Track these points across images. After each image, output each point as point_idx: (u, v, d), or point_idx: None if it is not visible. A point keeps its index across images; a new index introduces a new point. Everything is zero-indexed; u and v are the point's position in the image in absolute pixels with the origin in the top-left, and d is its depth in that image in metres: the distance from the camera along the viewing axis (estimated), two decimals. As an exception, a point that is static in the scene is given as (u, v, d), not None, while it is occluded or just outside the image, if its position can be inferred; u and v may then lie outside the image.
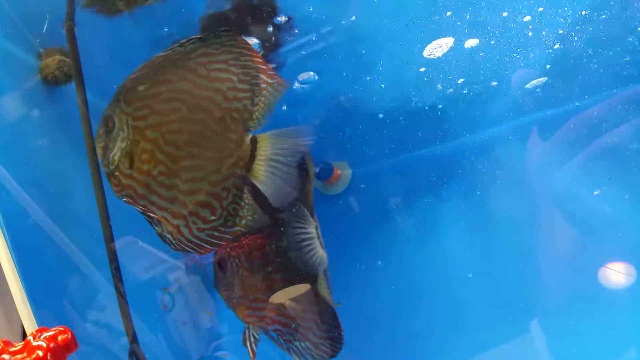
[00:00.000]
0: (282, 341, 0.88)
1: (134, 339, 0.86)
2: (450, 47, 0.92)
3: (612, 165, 0.92)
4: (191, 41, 0.75)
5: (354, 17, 0.93)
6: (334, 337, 0.89)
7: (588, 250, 0.93)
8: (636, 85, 0.91)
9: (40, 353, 0.52)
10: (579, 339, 0.93)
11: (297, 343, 0.88)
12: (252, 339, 0.86)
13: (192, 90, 0.75)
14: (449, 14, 0.90)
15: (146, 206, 0.76)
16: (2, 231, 0.79)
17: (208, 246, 0.79)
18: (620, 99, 0.91)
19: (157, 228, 0.78)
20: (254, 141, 0.78)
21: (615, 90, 0.92)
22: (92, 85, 0.84)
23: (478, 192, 1.04)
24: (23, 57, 0.90)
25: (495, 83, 0.94)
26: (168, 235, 0.78)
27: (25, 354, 0.52)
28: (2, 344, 0.54)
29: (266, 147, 0.78)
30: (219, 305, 1.06)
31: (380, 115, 1.02)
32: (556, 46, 0.93)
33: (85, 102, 0.84)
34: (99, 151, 0.77)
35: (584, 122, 0.92)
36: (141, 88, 0.74)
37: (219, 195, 0.77)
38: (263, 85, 0.78)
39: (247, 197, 0.79)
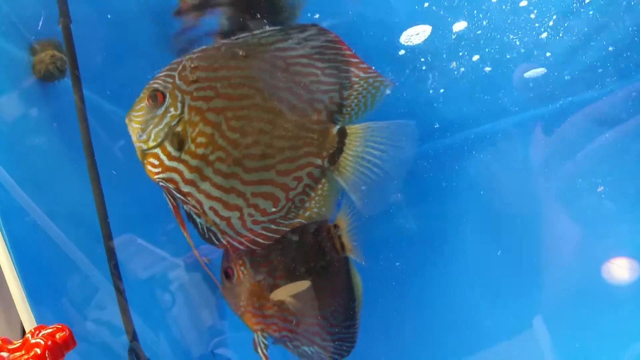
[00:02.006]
0: (291, 346, 0.88)
1: (133, 337, 0.85)
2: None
3: (616, 161, 0.91)
4: (267, 33, 0.71)
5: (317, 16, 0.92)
6: (344, 337, 0.88)
7: (591, 246, 0.93)
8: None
9: (39, 351, 0.52)
10: (582, 334, 0.93)
11: (305, 348, 0.87)
12: (262, 344, 0.85)
13: (267, 80, 0.71)
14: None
15: (191, 194, 0.71)
16: (1, 230, 0.78)
17: (261, 240, 0.75)
18: (625, 93, 0.90)
19: (198, 220, 0.73)
20: (342, 133, 0.74)
21: (620, 84, 0.92)
22: (87, 82, 0.83)
23: (481, 190, 1.04)
24: (18, 54, 0.89)
25: (489, 69, 0.93)
26: (213, 228, 0.74)
27: (23, 352, 0.52)
28: (0, 342, 0.54)
29: (357, 141, 0.74)
30: (220, 302, 1.06)
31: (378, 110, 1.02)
32: (557, 36, 0.93)
33: (82, 100, 0.82)
34: (134, 125, 0.72)
35: (588, 116, 0.91)
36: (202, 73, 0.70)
37: (287, 186, 0.73)
38: (354, 79, 0.74)
39: (322, 189, 0.75)
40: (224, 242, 0.75)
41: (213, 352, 1.02)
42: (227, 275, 0.86)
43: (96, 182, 0.83)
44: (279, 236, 0.76)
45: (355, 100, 0.75)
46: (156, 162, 0.71)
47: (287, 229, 0.76)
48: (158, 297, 1.00)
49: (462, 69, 0.97)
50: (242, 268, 0.85)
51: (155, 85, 0.71)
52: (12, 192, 0.81)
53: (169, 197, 0.74)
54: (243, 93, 0.70)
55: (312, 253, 0.86)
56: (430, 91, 0.99)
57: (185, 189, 0.71)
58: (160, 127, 0.70)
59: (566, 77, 0.97)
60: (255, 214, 0.73)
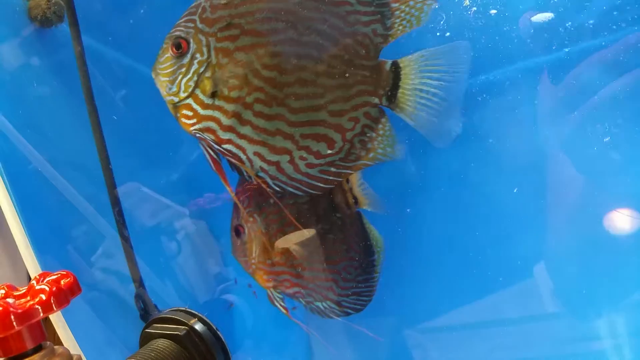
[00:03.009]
0: (303, 302, 0.87)
1: (140, 284, 0.86)
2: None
3: (625, 111, 0.89)
4: None
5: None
6: (359, 292, 0.87)
7: (594, 196, 0.92)
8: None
9: (44, 297, 0.52)
10: (583, 283, 0.94)
11: (318, 304, 0.86)
12: (277, 298, 0.85)
13: (298, 11, 0.65)
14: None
15: (232, 140, 0.68)
16: (3, 178, 0.78)
17: (321, 184, 0.72)
18: (635, 41, 0.87)
19: (244, 166, 0.70)
20: (396, 67, 0.69)
21: (630, 31, 0.89)
22: (86, 27, 0.81)
23: (490, 139, 1.03)
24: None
25: (495, 11, 0.90)
26: (263, 174, 0.71)
27: (28, 298, 0.52)
28: (6, 289, 0.55)
29: (412, 73, 0.70)
30: (225, 250, 1.07)
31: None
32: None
33: (80, 43, 0.79)
34: (163, 78, 0.69)
35: (597, 64, 0.89)
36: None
37: (342, 127, 0.69)
38: (394, 5, 0.68)
39: (383, 128, 0.71)
40: (277, 188, 0.72)
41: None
42: (238, 233, 0.85)
43: (97, 128, 0.81)
44: (341, 179, 0.74)
45: (400, 27, 0.70)
46: (190, 114, 0.69)
47: (350, 172, 0.73)
48: (164, 244, 1.01)
49: (474, 9, 0.94)
50: (253, 225, 0.84)
51: (177, 33, 0.68)
52: (14, 140, 0.81)
53: (208, 149, 0.71)
54: (272, 27, 0.66)
55: (323, 208, 0.84)
56: (437, 34, 0.97)
57: (225, 136, 0.69)
58: (189, 75, 0.68)
59: (575, 23, 0.94)
60: (309, 157, 0.70)
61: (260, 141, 0.69)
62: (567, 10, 0.92)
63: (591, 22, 0.93)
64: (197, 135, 0.69)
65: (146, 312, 0.87)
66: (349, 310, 0.87)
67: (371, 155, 0.72)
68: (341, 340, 0.95)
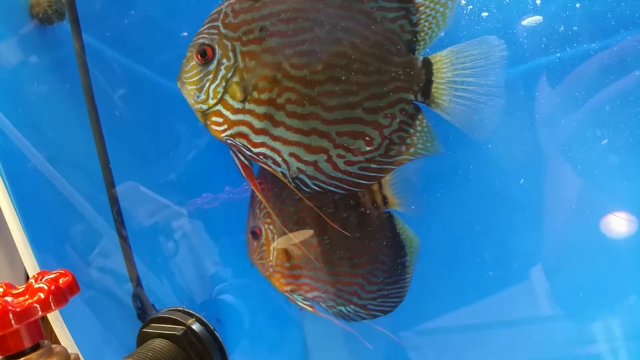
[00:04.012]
0: (325, 307, 0.85)
1: (137, 283, 0.86)
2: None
3: (622, 113, 0.89)
4: None
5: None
6: (387, 294, 0.86)
7: (592, 199, 0.92)
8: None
9: (42, 295, 0.52)
10: (580, 285, 0.94)
11: (340, 308, 0.84)
12: (298, 299, 0.83)
13: (323, 9, 0.65)
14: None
15: (265, 143, 0.68)
16: (2, 177, 0.78)
17: (363, 181, 0.71)
18: (630, 44, 0.88)
19: (279, 169, 0.69)
20: (427, 63, 0.69)
21: (625, 35, 0.89)
22: (86, 25, 0.81)
23: (488, 142, 1.03)
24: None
25: (486, 14, 0.90)
26: (301, 175, 0.70)
27: (27, 296, 0.52)
28: (4, 287, 0.55)
29: (444, 67, 0.69)
30: (222, 251, 1.07)
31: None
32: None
33: (81, 43, 0.80)
34: (189, 87, 0.69)
35: (594, 68, 0.89)
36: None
37: (379, 123, 0.69)
38: (418, 1, 0.68)
39: (421, 124, 0.71)
40: (316, 188, 0.71)
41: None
42: (255, 235, 0.84)
43: (97, 127, 0.81)
44: (384, 175, 0.73)
45: (427, 24, 0.70)
46: (220, 120, 0.68)
47: (392, 167, 0.72)
48: (162, 244, 1.01)
49: (470, 7, 0.94)
50: (271, 227, 0.82)
51: (201, 40, 0.67)
52: (13, 138, 0.81)
53: (239, 156, 0.70)
54: (298, 27, 0.66)
55: (347, 209, 0.83)
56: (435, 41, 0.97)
57: (258, 139, 0.68)
58: (217, 81, 0.68)
59: (573, 26, 0.94)
60: (347, 155, 0.70)
61: (295, 142, 0.68)
62: (565, 13, 0.92)
63: (589, 25, 0.93)
64: (229, 141, 0.69)
65: (143, 312, 0.87)
66: (377, 313, 0.86)
67: (412, 150, 0.72)
68: (338, 341, 0.95)
